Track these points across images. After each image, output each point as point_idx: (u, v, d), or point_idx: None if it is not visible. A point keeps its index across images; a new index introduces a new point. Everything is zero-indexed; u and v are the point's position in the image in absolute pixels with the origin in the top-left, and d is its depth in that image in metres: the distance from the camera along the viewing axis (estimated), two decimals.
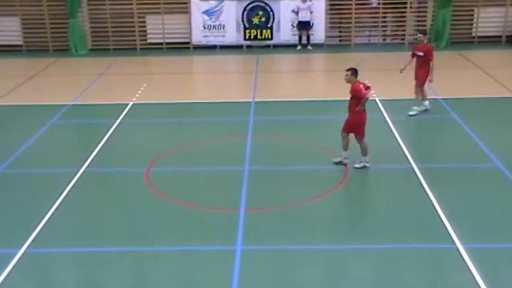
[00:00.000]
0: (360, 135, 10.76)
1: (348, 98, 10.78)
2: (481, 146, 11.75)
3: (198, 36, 21.76)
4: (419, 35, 13.55)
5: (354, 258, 8.19)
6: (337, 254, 8.26)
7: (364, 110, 10.66)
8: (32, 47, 21.89)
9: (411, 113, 13.50)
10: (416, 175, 10.48)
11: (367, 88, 10.58)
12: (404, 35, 22.17)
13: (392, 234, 8.62)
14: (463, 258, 7.90)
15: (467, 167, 10.95)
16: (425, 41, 13.56)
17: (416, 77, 13.58)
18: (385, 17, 22.26)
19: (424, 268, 7.94)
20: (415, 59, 13.61)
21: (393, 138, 12.32)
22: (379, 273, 7.86)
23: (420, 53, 13.30)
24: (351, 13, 21.84)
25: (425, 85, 13.62)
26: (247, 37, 21.76)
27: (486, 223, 8.91)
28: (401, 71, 13.66)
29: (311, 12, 21.14)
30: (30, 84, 17.51)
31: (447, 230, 8.60)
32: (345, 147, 10.88)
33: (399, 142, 12.03)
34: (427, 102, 13.71)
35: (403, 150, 11.60)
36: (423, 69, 13.35)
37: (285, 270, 7.89)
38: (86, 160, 11.40)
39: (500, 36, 21.82)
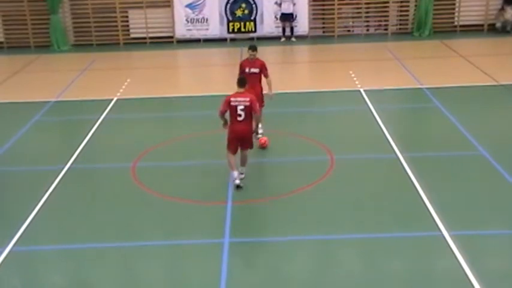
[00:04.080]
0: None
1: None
2: (465, 134, 11.84)
3: (182, 30, 21.67)
4: (251, 52, 11.61)
5: (341, 248, 8.23)
6: (325, 244, 8.29)
7: (223, 124, 9.96)
8: (13, 44, 21.66)
9: (260, 132, 11.61)
10: (401, 164, 10.54)
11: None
12: (387, 25, 22.25)
13: (379, 224, 8.67)
14: (449, 245, 7.98)
15: (452, 155, 11.04)
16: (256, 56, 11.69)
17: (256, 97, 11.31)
18: (368, 8, 22.30)
19: (411, 256, 8.01)
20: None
21: (378, 128, 12.38)
22: (366, 263, 7.91)
23: (255, 70, 11.56)
24: (333, 4, 21.85)
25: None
26: (230, 30, 21.70)
27: (471, 210, 9.00)
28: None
29: (294, 4, 21.13)
30: (12, 81, 17.33)
31: (433, 218, 8.67)
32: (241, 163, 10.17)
33: (384, 132, 12.09)
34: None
35: (388, 140, 11.66)
36: (256, 88, 11.53)
37: (272, 262, 7.91)
38: (71, 157, 11.33)
39: (482, 25, 21.97)
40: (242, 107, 9.58)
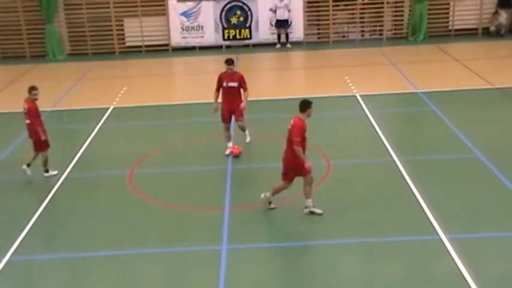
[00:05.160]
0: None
1: None
2: (461, 137, 11.88)
3: (177, 38, 21.71)
4: (228, 66, 11.23)
5: (339, 252, 8.23)
6: (322, 249, 8.29)
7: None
8: (8, 54, 21.67)
9: (248, 139, 11.65)
10: (398, 168, 10.56)
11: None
12: (382, 30, 22.33)
13: (376, 228, 8.67)
14: (446, 249, 7.99)
15: (448, 158, 11.07)
16: (234, 70, 11.39)
17: (234, 112, 11.34)
18: (362, 13, 22.38)
19: (409, 260, 8.02)
20: (222, 91, 11.37)
21: (374, 132, 12.41)
22: (365, 267, 7.92)
23: (234, 84, 11.20)
24: (328, 10, 21.94)
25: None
26: (226, 37, 21.75)
27: (468, 213, 9.01)
28: (215, 110, 11.48)
29: (289, 11, 21.20)
30: (8, 91, 17.33)
31: (430, 222, 8.68)
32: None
33: (380, 136, 12.12)
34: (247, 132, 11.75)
35: (384, 144, 11.69)
36: (239, 102, 11.30)
37: (271, 268, 7.91)
38: (68, 165, 11.32)
39: (476, 29, 22.06)
40: (288, 129, 8.88)
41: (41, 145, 10.71)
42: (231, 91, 11.27)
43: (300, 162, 8.73)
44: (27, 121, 10.69)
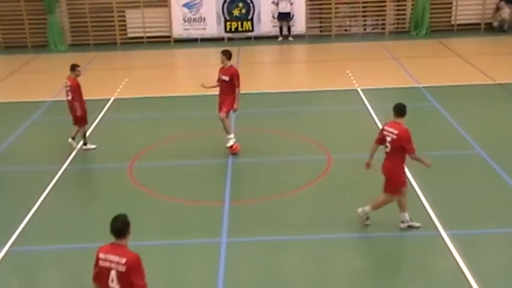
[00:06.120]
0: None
1: None
2: (462, 133, 11.86)
3: (179, 30, 21.67)
4: (221, 56, 11.09)
5: (338, 247, 8.24)
6: (322, 243, 8.30)
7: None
8: (10, 44, 21.64)
9: (229, 144, 11.25)
10: None
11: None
12: (384, 24, 22.27)
13: (376, 223, 8.65)
14: (446, 245, 7.99)
15: (449, 154, 11.06)
16: (230, 64, 11.09)
17: (224, 105, 11.13)
18: (365, 7, 22.31)
19: (409, 255, 8.04)
20: (219, 84, 11.28)
21: (375, 127, 12.36)
22: (363, 262, 7.92)
23: (225, 78, 11.00)
24: (331, 3, 21.87)
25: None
26: (228, 29, 21.71)
27: (468, 209, 9.01)
28: (207, 87, 11.52)
29: (291, 4, 21.15)
30: (10, 81, 17.31)
31: (430, 218, 8.68)
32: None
33: None
34: (232, 135, 11.32)
35: None
36: (231, 96, 11.04)
37: (270, 261, 7.92)
38: (68, 157, 11.32)
39: (479, 24, 22.00)
40: (389, 139, 8.22)
41: (79, 120, 11.50)
42: (223, 85, 11.10)
43: (400, 175, 8.31)
44: (69, 97, 11.42)
